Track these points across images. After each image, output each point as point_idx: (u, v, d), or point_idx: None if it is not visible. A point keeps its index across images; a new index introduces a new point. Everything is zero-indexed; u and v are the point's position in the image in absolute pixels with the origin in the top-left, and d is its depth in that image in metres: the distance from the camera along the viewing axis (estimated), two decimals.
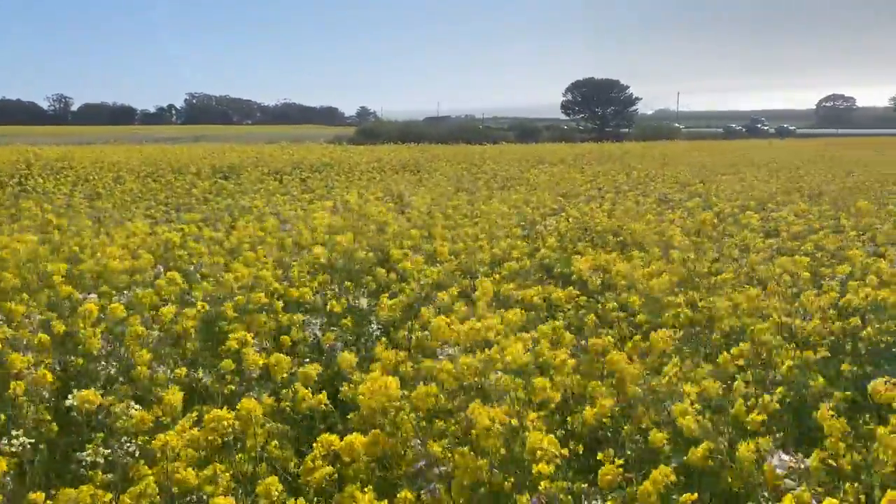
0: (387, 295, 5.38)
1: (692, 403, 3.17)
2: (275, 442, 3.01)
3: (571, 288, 5.30)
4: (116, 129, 74.06)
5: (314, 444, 2.64)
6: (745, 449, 2.84)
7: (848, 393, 4.07)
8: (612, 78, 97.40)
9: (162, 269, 6.00)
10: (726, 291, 5.31)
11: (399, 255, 6.50)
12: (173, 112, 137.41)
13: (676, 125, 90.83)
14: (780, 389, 4.19)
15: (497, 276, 6.07)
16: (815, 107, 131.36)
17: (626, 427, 3.27)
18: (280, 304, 5.25)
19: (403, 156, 25.96)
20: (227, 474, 2.49)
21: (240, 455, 2.83)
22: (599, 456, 2.81)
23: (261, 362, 3.91)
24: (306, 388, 3.32)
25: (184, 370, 3.99)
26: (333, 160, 22.85)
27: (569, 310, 4.87)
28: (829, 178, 16.46)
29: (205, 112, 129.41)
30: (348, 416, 3.24)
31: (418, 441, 2.78)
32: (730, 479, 2.90)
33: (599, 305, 4.96)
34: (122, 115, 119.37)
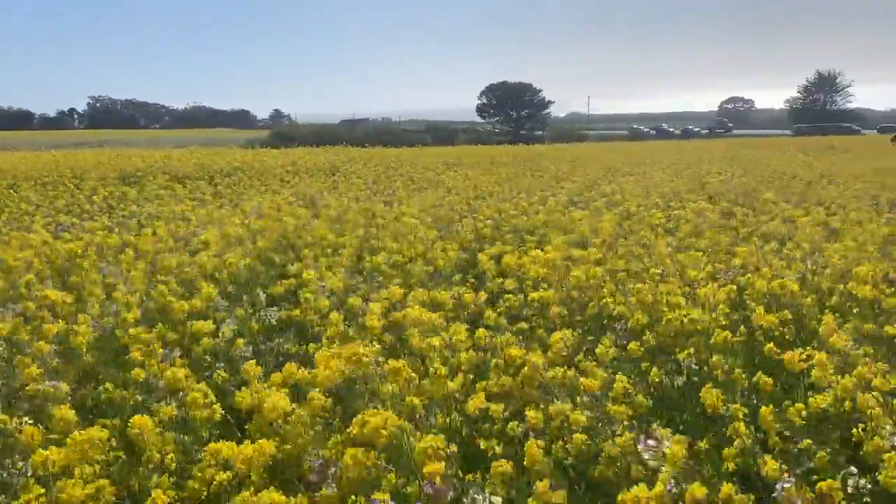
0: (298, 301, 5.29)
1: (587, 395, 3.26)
2: (171, 455, 2.91)
3: (482, 286, 5.36)
4: (13, 135, 70.11)
5: (203, 454, 2.58)
6: (620, 439, 2.95)
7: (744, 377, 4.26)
8: (526, 82, 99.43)
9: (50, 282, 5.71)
10: (634, 286, 5.47)
11: (310, 259, 6.41)
12: (75, 116, 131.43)
13: (587, 128, 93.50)
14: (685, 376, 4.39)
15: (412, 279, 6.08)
16: (717, 108, 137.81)
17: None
18: (186, 312, 5.09)
19: (318, 159, 25.64)
20: (111, 489, 2.39)
21: (136, 469, 2.73)
22: (483, 445, 2.87)
23: (163, 373, 3.77)
24: (206, 398, 3.24)
25: (66, 386, 3.80)
26: (245, 164, 22.32)
27: (480, 307, 4.91)
28: (729, 176, 17.26)
29: (109, 116, 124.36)
30: (245, 427, 3.17)
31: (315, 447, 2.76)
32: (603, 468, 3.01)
33: (509, 302, 5.03)
34: (19, 120, 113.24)
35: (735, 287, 5.65)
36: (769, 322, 5.08)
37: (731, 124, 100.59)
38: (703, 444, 3.21)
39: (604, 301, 4.93)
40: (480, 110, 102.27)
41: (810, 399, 3.65)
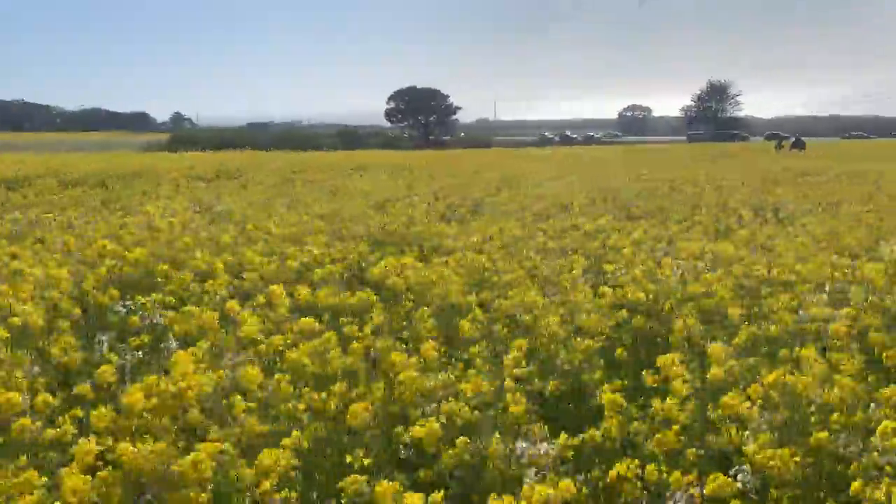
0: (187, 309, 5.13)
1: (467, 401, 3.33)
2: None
3: (374, 292, 5.37)
4: None
5: None
6: (495, 442, 3.02)
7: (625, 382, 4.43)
8: (434, 87, 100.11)
9: None
10: (517, 290, 5.61)
11: (203, 265, 6.25)
12: None
13: (495, 134, 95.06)
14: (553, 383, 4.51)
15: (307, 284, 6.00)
16: (617, 116, 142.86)
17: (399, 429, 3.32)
18: (67, 323, 4.87)
19: (220, 163, 24.98)
20: None
21: None
22: (349, 458, 2.87)
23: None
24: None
25: None
26: (142, 169, 21.52)
27: (369, 315, 4.92)
28: (626, 181, 17.93)
29: None
30: None
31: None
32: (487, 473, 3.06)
33: (399, 308, 5.07)
34: None
35: (611, 290, 5.90)
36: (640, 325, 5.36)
37: (618, 133, 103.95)
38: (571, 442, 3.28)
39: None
40: (389, 115, 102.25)
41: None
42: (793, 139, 44.45)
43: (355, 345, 3.79)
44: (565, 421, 4.33)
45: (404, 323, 4.85)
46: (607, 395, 3.57)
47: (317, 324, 4.20)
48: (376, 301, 5.12)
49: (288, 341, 3.91)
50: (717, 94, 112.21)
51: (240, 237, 8.15)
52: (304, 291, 5.06)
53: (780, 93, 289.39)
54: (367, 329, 4.57)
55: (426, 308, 4.93)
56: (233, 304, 4.82)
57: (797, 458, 2.98)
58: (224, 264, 6.26)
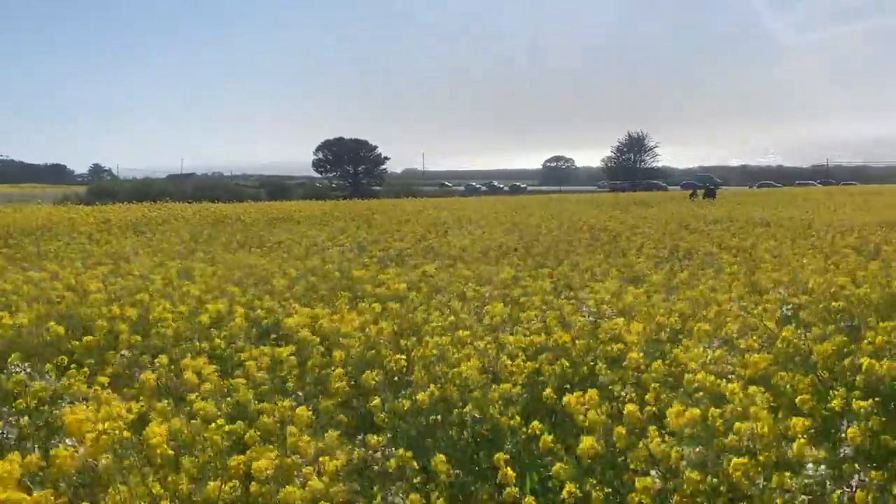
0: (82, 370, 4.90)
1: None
2: None
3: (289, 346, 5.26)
4: None
5: None
6: None
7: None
8: (362, 138, 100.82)
9: None
10: (435, 338, 5.60)
11: (104, 326, 5.99)
12: None
13: (422, 184, 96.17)
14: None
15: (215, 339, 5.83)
16: (542, 166, 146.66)
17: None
18: None
19: (137, 215, 24.28)
20: None
21: None
22: None
23: None
24: None
25: None
26: (53, 222, 20.68)
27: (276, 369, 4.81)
28: (545, 230, 18.31)
29: None
30: None
31: None
32: None
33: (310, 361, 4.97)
34: None
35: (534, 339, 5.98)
36: (551, 370, 5.44)
37: (524, 185, 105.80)
38: None
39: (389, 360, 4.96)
40: (317, 165, 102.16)
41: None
42: (705, 189, 46.65)
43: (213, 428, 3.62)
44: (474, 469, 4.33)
45: (315, 375, 4.76)
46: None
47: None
48: (287, 356, 5.02)
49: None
50: (635, 145, 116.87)
51: (152, 292, 7.89)
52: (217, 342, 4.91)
53: (696, 145, 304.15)
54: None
55: (340, 358, 4.86)
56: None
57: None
58: (129, 322, 6.03)
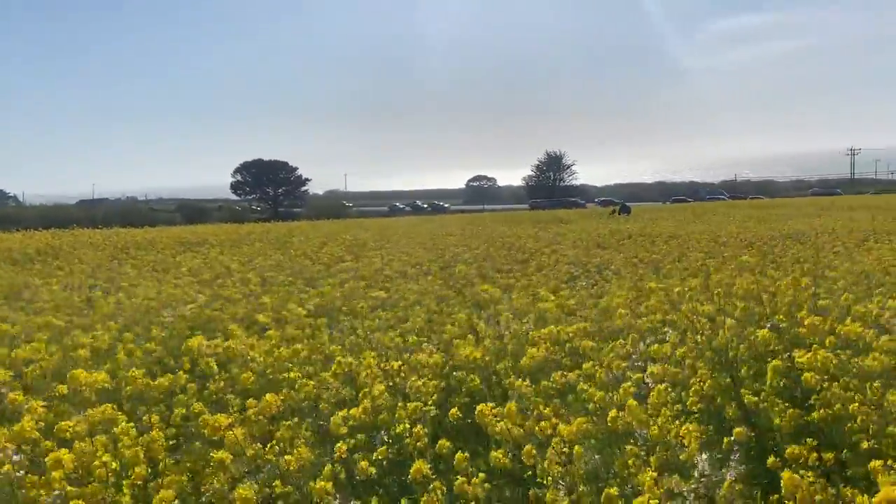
0: None
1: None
2: None
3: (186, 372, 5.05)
4: None
5: None
6: None
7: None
8: (281, 159, 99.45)
9: None
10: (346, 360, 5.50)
11: None
12: None
13: (345, 203, 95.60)
14: (381, 449, 4.43)
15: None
16: (464, 186, 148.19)
17: None
18: None
19: (40, 243, 23.10)
20: None
21: None
22: None
23: None
24: None
25: None
26: None
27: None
28: (467, 247, 18.42)
29: None
30: None
31: None
32: None
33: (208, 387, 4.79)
34: None
35: (442, 355, 5.96)
36: (474, 386, 5.43)
37: (447, 205, 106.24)
38: None
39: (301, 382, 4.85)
40: (235, 187, 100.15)
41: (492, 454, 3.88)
42: (620, 205, 48.23)
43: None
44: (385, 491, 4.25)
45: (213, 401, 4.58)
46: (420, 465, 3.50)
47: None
48: (187, 382, 4.82)
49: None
50: (553, 164, 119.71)
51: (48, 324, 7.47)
52: (101, 377, 4.65)
53: (614, 162, 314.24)
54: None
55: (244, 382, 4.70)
56: (16, 396, 4.35)
57: None
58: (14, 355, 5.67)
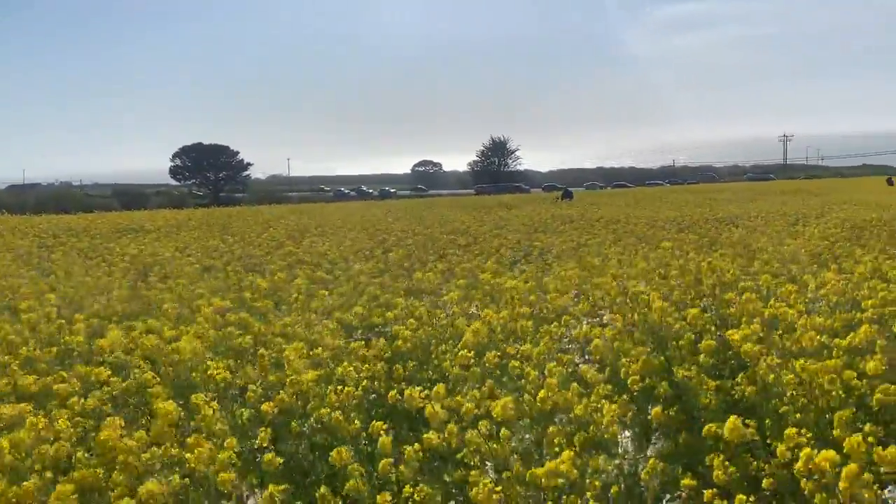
0: None
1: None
2: None
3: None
4: None
5: None
6: None
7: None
8: (222, 143, 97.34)
9: None
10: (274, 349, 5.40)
11: None
12: None
13: (288, 190, 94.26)
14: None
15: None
16: (410, 171, 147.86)
17: None
18: None
19: None
20: None
21: None
22: None
23: None
24: None
25: None
26: None
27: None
28: (406, 234, 18.34)
29: None
30: None
31: None
32: None
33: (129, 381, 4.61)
34: None
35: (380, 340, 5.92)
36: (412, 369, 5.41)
37: (393, 190, 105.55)
38: None
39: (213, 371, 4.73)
40: (175, 173, 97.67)
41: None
42: (563, 190, 48.86)
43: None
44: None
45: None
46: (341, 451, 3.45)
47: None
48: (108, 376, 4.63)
49: None
50: (498, 149, 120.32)
51: None
52: None
53: (557, 148, 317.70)
54: None
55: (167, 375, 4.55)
56: None
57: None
58: None
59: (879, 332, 4.81)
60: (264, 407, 4.33)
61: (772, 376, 4.44)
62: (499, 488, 3.20)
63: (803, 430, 3.25)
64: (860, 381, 4.10)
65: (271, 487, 3.45)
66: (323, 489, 3.37)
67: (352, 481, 3.44)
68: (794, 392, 4.11)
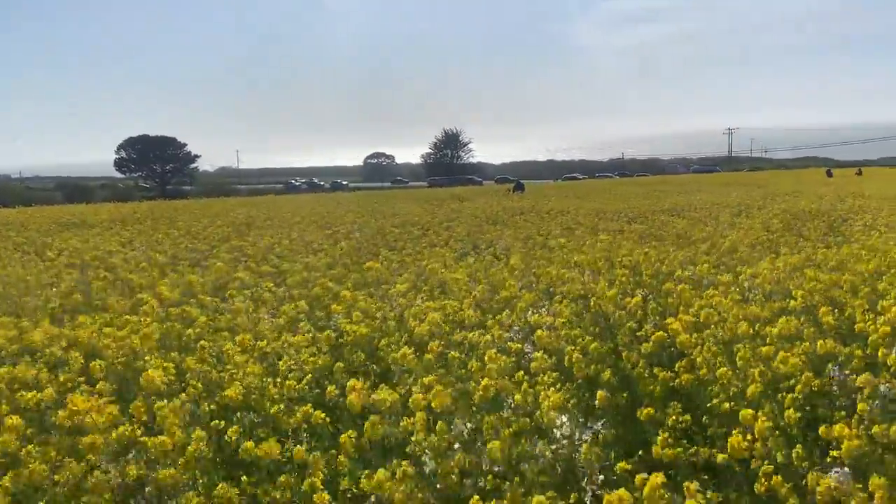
0: None
1: None
2: None
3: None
4: None
5: None
6: None
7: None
8: (169, 135, 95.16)
9: None
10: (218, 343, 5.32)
11: None
12: None
13: (239, 182, 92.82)
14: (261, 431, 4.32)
15: None
16: (362, 163, 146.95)
17: None
18: None
19: None
20: None
21: None
22: None
23: None
24: None
25: None
26: None
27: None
28: (357, 226, 18.23)
29: None
30: None
31: None
32: None
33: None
34: None
35: (333, 334, 5.89)
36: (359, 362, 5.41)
37: (345, 182, 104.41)
38: None
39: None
40: (120, 165, 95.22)
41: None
42: (515, 182, 49.19)
43: None
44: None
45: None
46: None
47: None
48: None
49: None
50: (451, 141, 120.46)
51: None
52: None
53: (510, 141, 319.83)
54: None
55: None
56: None
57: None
58: None
59: (807, 321, 4.99)
60: (204, 406, 4.27)
61: (703, 370, 4.57)
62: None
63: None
64: (788, 367, 4.24)
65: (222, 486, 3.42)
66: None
67: (284, 476, 3.42)
68: (725, 381, 4.24)
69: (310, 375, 4.78)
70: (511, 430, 3.36)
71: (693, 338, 4.86)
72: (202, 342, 4.92)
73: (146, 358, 4.70)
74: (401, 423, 3.82)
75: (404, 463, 3.15)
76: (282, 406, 4.21)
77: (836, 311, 5.29)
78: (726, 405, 4.35)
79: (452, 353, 4.57)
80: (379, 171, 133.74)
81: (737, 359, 4.54)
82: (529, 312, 6.60)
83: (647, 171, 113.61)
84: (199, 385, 4.42)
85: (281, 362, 4.89)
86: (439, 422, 3.46)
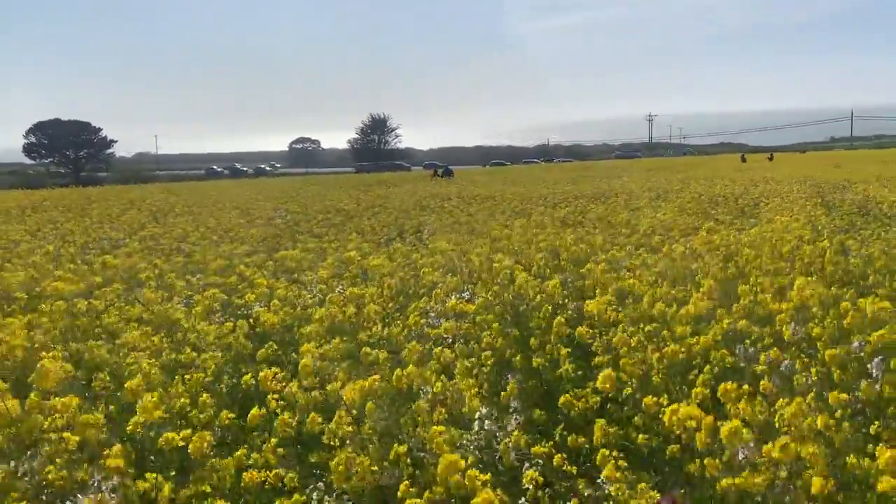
0: None
1: None
2: None
3: None
4: None
5: None
6: None
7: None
8: (83, 120, 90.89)
9: None
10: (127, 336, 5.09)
11: None
12: None
13: (158, 168, 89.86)
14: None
15: None
16: (287, 148, 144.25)
17: None
18: None
19: None
20: None
21: None
22: None
23: None
24: None
25: None
26: None
27: None
28: (279, 213, 17.88)
29: None
30: None
31: None
32: None
33: None
34: None
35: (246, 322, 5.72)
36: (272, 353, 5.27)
37: (269, 168, 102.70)
38: None
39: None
40: (29, 151, 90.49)
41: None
42: (443, 168, 49.36)
43: None
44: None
45: None
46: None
47: None
48: None
49: None
50: (378, 127, 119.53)
51: None
52: None
53: (438, 126, 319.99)
54: None
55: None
56: None
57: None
58: None
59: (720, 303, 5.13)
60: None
61: (624, 349, 4.63)
62: (359, 460, 3.16)
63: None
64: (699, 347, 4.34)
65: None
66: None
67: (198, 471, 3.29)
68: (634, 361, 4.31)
69: (213, 367, 4.61)
70: (435, 419, 3.33)
71: (608, 315, 4.92)
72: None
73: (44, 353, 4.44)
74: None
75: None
76: (187, 400, 4.04)
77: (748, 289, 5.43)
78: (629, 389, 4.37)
79: (366, 348, 4.48)
80: (304, 156, 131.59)
81: (650, 339, 4.62)
82: (448, 298, 6.57)
83: (571, 157, 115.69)
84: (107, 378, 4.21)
85: (184, 356, 4.69)
86: (343, 413, 3.39)
